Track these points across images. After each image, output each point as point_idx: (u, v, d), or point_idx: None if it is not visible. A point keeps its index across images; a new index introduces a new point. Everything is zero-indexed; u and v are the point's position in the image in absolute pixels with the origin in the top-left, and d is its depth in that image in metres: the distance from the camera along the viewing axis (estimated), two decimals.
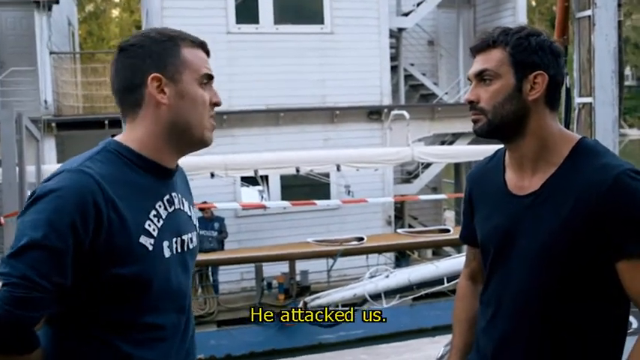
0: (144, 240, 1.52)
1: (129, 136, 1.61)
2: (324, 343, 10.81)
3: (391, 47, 14.76)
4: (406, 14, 15.28)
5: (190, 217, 1.73)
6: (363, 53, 13.58)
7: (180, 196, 1.69)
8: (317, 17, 13.50)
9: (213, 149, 13.54)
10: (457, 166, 16.30)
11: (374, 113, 13.86)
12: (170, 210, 1.62)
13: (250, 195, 13.21)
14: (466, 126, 13.35)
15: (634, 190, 1.57)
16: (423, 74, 16.01)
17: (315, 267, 11.91)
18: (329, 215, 13.18)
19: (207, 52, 1.67)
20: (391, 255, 13.27)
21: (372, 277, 8.26)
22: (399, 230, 13.21)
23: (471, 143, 14.06)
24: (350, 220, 13.16)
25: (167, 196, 1.63)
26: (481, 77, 1.69)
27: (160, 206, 1.59)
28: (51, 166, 11.73)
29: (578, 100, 4.48)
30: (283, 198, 12.96)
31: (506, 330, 1.72)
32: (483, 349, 1.80)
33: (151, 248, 1.53)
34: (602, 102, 4.10)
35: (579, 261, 1.61)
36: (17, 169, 5.10)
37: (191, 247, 1.70)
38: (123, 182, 1.53)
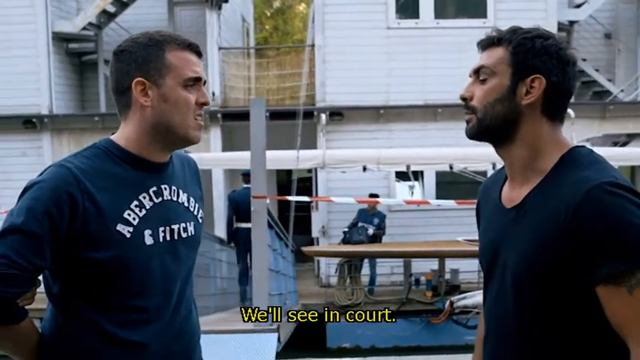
0: (121, 228, 1.66)
1: (120, 134, 1.76)
2: (471, 344, 10.51)
3: None
4: (578, 5, 14.45)
5: (188, 207, 1.83)
6: None
7: (175, 188, 1.80)
8: (479, 11, 13.15)
9: (368, 143, 13.67)
10: (632, 170, 15.13)
11: None
12: (157, 201, 1.74)
13: (402, 190, 13.20)
14: None
15: (606, 206, 1.40)
16: (597, 70, 15.00)
17: (467, 266, 11.68)
18: None
19: (198, 54, 1.75)
20: None
21: None
22: None
23: None
24: None
25: (154, 188, 1.74)
26: (478, 74, 1.62)
27: (144, 197, 1.72)
28: (216, 154, 12.64)
29: None
30: (438, 195, 12.81)
31: (492, 352, 1.64)
32: None
33: (128, 236, 1.67)
34: None
35: (557, 283, 1.47)
36: None
37: (184, 235, 1.80)
38: (105, 175, 1.68)
